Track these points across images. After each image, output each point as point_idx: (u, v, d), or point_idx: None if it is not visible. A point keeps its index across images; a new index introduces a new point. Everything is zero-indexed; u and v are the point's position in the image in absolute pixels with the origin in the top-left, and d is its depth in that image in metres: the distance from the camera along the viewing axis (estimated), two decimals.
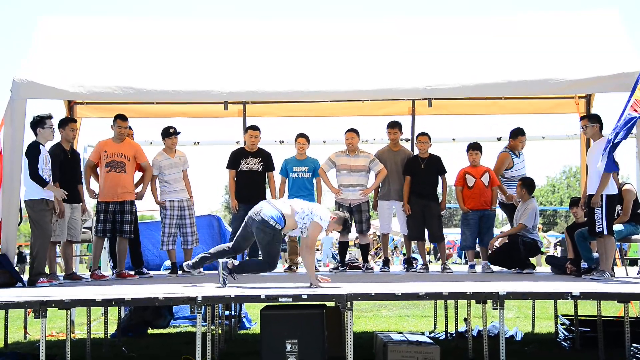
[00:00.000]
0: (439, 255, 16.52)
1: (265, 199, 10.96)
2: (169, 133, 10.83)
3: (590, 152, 9.47)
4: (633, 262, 16.13)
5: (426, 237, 11.39)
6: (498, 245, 11.16)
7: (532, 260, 11.00)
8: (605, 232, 9.00)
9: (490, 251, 11.03)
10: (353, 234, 18.08)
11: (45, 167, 9.10)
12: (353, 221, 11.07)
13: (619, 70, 9.39)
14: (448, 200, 11.55)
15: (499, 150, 11.68)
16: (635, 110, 8.74)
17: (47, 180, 9.10)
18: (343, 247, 11.75)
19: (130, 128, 10.79)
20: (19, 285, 9.05)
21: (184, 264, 9.14)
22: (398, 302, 14.95)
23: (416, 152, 11.40)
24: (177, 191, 10.80)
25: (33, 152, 9.05)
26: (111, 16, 11.67)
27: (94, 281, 9.93)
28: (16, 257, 10.51)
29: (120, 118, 10.38)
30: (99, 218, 10.26)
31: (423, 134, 11.23)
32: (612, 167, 9.01)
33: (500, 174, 11.19)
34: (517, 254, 10.72)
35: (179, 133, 10.92)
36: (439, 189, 11.40)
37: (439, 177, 11.20)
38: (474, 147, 11.16)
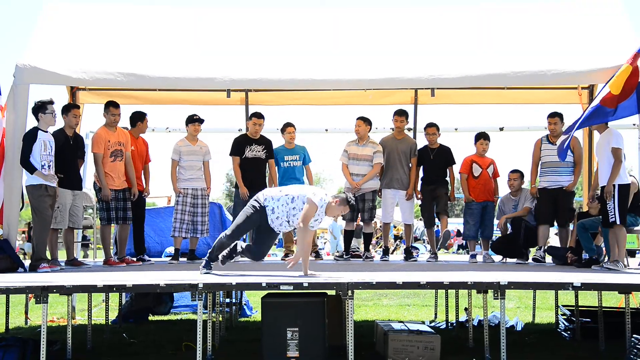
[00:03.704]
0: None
1: (265, 186, 11.04)
2: (192, 120, 10.94)
3: (598, 145, 9.44)
4: (631, 253, 16.11)
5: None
6: (502, 228, 11.20)
7: (533, 250, 10.99)
8: (618, 222, 8.98)
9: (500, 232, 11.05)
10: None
11: (44, 152, 9.08)
12: (358, 210, 11.13)
13: (622, 61, 9.34)
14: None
15: (501, 140, 11.72)
16: (606, 104, 8.89)
17: (47, 165, 9.09)
18: (348, 235, 11.74)
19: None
20: (20, 270, 9.07)
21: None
22: (399, 291, 14.97)
23: (420, 141, 11.42)
24: (192, 179, 10.85)
25: (27, 138, 9.05)
26: (115, 2, 11.59)
27: (108, 267, 9.95)
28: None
29: (113, 105, 10.37)
30: (107, 206, 10.23)
31: (431, 124, 11.29)
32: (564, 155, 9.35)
33: (534, 163, 10.89)
34: (517, 240, 10.77)
35: (202, 121, 10.99)
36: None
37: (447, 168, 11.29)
38: (485, 137, 11.19)
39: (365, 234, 11.78)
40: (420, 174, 11.39)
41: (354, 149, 11.17)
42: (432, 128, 11.28)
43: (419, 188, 11.34)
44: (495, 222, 11.46)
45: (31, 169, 8.98)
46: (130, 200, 10.40)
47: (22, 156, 9.00)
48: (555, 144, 10.43)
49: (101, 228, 10.55)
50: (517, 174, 11.13)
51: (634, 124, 11.62)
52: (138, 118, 10.93)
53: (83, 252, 20.37)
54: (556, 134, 10.57)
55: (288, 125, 11.40)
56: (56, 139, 9.45)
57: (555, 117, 10.61)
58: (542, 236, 10.55)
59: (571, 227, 10.80)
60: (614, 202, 8.99)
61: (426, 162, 11.26)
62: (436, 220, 11.54)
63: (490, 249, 11.25)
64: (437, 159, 11.21)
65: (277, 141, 11.49)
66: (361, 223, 11.70)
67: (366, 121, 11.19)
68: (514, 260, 10.94)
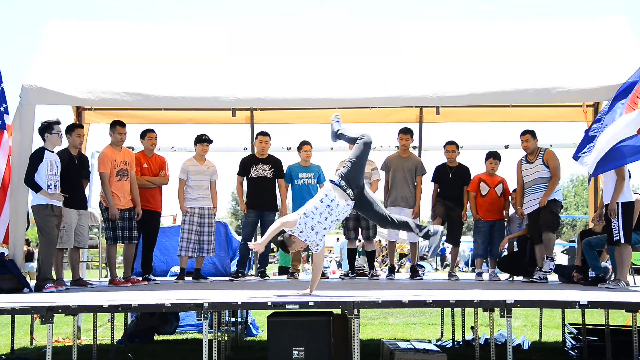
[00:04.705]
0: (445, 262, 16.47)
1: (276, 205, 11.05)
2: (201, 140, 11.01)
3: None
4: (638, 271, 16.03)
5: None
6: (506, 249, 11.20)
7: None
8: (623, 241, 8.97)
9: (501, 253, 11.06)
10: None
11: (50, 172, 9.10)
12: (360, 228, 11.16)
13: (627, 78, 9.35)
14: None
15: (506, 157, 11.68)
16: None
17: (53, 185, 9.11)
18: (352, 254, 11.73)
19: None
20: (26, 290, 9.06)
21: None
22: (405, 310, 14.91)
23: (426, 159, 11.47)
24: (199, 198, 10.88)
25: (34, 157, 9.09)
26: (120, 21, 11.68)
27: (114, 287, 9.95)
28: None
29: (120, 124, 10.40)
30: (112, 225, 10.24)
31: (451, 142, 11.35)
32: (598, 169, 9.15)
33: (519, 185, 10.75)
34: (522, 257, 10.76)
35: (211, 141, 11.04)
36: None
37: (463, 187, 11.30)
38: (495, 157, 11.20)
39: (368, 252, 11.76)
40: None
41: None
42: (451, 145, 11.31)
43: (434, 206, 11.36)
44: None
45: (36, 188, 9.00)
46: (135, 219, 10.41)
47: (27, 175, 9.02)
48: (532, 162, 10.42)
49: (107, 247, 10.56)
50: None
51: None
52: (140, 136, 11.02)
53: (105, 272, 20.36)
54: (529, 151, 10.51)
55: (304, 143, 11.45)
56: (61, 158, 9.46)
57: (527, 134, 10.51)
58: (540, 257, 10.46)
59: (567, 245, 10.76)
60: (618, 221, 8.98)
61: (444, 180, 11.29)
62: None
63: (497, 267, 11.24)
64: (455, 178, 11.23)
65: (286, 160, 11.54)
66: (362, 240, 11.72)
67: None
68: (520, 278, 10.92)
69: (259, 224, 11.25)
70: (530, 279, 10.37)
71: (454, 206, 11.20)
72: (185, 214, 10.89)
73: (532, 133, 10.50)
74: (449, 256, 37.15)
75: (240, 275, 11.01)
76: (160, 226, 12.29)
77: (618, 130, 8.90)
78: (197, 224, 10.86)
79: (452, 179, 11.24)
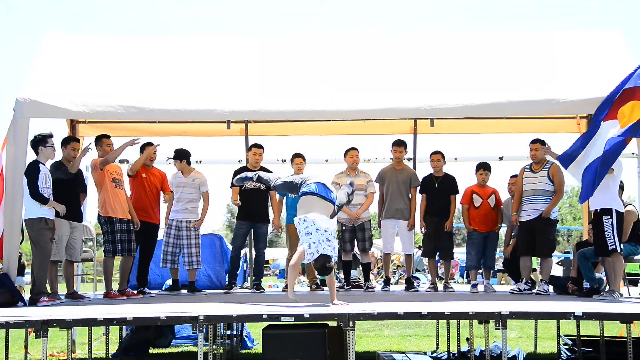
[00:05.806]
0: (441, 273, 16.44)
1: (269, 217, 11.05)
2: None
3: None
4: (633, 282, 16.03)
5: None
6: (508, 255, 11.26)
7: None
8: (619, 250, 8.98)
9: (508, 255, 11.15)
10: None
11: (45, 185, 9.10)
12: (356, 240, 11.18)
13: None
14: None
15: (501, 169, 11.72)
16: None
17: (48, 198, 9.11)
18: (347, 266, 11.74)
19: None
20: (20, 304, 9.04)
21: None
22: (400, 322, 14.88)
23: (420, 171, 11.48)
24: (177, 211, 10.93)
25: (32, 171, 9.08)
26: (115, 35, 11.71)
27: (109, 300, 9.92)
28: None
29: (105, 137, 10.45)
30: (112, 238, 10.19)
31: (436, 152, 11.37)
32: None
33: (518, 192, 10.69)
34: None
35: (180, 158, 11.14)
36: None
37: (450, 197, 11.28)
38: (485, 168, 11.21)
39: (363, 264, 11.76)
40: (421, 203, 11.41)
41: (346, 180, 11.14)
42: (437, 155, 11.32)
43: (423, 219, 11.35)
44: (499, 250, 11.46)
45: (44, 200, 9.01)
46: (133, 232, 10.38)
47: (32, 189, 9.01)
48: (536, 172, 10.42)
49: (104, 260, 10.52)
50: (515, 179, 11.08)
51: (633, 153, 11.64)
52: (140, 149, 11.04)
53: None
54: (536, 160, 10.50)
55: (296, 156, 11.49)
56: (56, 170, 9.47)
57: (536, 143, 10.48)
58: (523, 268, 10.46)
59: (562, 256, 10.79)
60: (612, 229, 8.98)
61: (430, 191, 11.27)
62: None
63: (502, 265, 11.27)
64: (441, 188, 11.22)
65: (282, 171, 11.56)
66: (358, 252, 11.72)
67: (358, 151, 11.31)
68: (508, 288, 10.94)
69: (250, 235, 11.26)
70: (511, 290, 10.40)
71: (439, 220, 11.21)
72: (165, 225, 10.93)
73: (542, 142, 10.49)
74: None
75: (233, 285, 11.00)
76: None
77: (597, 144, 9.03)
78: (173, 237, 10.88)
79: (438, 189, 11.22)
